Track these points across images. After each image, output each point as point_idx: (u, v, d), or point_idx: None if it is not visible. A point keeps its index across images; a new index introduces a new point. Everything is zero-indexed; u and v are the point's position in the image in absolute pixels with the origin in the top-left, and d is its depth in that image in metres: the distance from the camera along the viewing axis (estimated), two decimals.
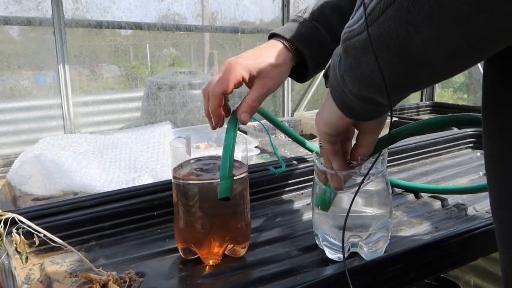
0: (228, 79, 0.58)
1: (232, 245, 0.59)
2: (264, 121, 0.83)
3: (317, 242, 0.62)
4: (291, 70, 0.66)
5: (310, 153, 0.85)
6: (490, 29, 0.29)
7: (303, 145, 0.83)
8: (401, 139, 0.60)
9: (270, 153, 1.18)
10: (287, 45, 0.64)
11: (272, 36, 0.66)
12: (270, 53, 0.62)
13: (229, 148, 0.55)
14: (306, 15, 0.66)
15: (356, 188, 0.52)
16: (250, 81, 0.61)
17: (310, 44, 0.65)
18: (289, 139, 0.90)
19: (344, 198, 0.57)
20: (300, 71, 0.68)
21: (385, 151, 0.58)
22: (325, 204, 0.57)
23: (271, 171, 0.74)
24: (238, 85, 0.60)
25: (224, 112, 0.61)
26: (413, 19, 0.30)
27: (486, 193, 0.76)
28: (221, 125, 0.61)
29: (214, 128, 0.62)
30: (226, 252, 0.59)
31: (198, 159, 0.62)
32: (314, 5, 0.67)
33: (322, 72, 0.50)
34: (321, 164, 0.57)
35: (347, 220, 0.51)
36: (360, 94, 0.41)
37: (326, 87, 0.48)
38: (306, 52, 0.64)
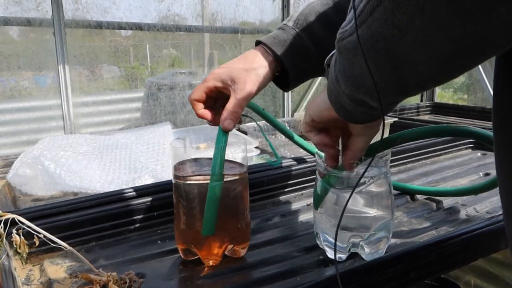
0: (198, 89, 0.62)
1: (232, 246, 0.59)
2: (263, 122, 0.83)
3: (317, 242, 0.61)
4: (275, 78, 0.67)
5: (310, 154, 0.85)
6: (472, 37, 0.29)
7: (302, 147, 0.83)
8: (398, 144, 0.60)
9: (271, 153, 1.18)
10: (268, 50, 0.64)
11: (257, 44, 0.66)
12: (247, 58, 0.64)
13: (218, 151, 0.57)
14: (290, 23, 0.66)
15: (357, 189, 0.52)
16: (227, 89, 0.62)
17: (291, 52, 0.64)
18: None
19: (346, 198, 0.57)
20: (283, 79, 0.68)
21: (389, 152, 0.58)
22: (317, 200, 0.57)
23: (268, 164, 0.75)
24: (211, 93, 0.63)
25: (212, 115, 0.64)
26: (398, 22, 0.30)
27: (486, 194, 0.76)
28: (216, 123, 0.63)
29: (210, 123, 0.64)
30: (226, 253, 0.59)
31: (198, 160, 0.62)
32: (299, 13, 0.67)
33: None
34: (324, 164, 0.57)
35: (347, 220, 0.52)
36: (352, 95, 0.41)
37: (325, 76, 0.49)
38: (286, 59, 0.64)
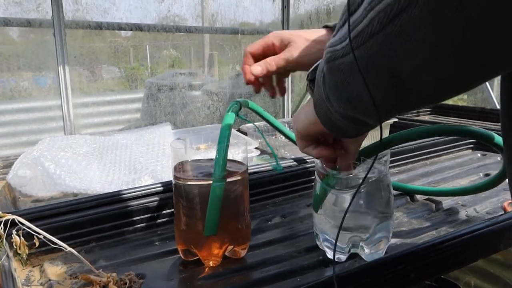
0: (256, 43, 0.64)
1: (232, 246, 0.59)
2: (263, 123, 0.83)
3: (317, 243, 0.61)
4: None
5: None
6: (487, 56, 0.28)
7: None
8: (395, 145, 0.60)
9: (271, 154, 1.18)
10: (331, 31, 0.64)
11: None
12: (313, 31, 0.64)
13: (222, 149, 0.56)
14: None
15: (357, 189, 0.52)
16: (281, 49, 0.63)
17: None
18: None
19: (346, 199, 0.57)
20: None
21: (388, 152, 0.58)
22: (317, 201, 0.57)
23: (272, 168, 0.76)
24: (267, 49, 0.64)
25: (279, 89, 0.68)
26: (406, 44, 0.29)
27: (487, 194, 0.76)
28: (255, 85, 0.65)
29: (245, 82, 0.65)
30: (226, 254, 0.59)
31: (198, 160, 0.62)
32: None
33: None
34: (323, 165, 0.57)
35: (347, 221, 0.51)
36: (346, 114, 0.40)
37: (308, 91, 0.48)
38: None
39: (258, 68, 0.61)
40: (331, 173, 0.57)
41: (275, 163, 0.77)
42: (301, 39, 0.62)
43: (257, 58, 0.64)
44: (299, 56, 0.61)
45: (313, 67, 0.46)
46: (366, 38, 0.31)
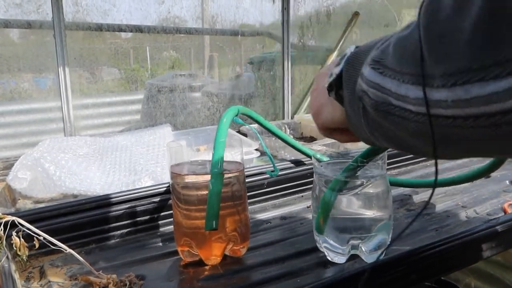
0: None
1: (232, 244, 0.59)
2: (257, 125, 0.83)
3: (317, 244, 0.61)
4: None
5: (307, 157, 0.85)
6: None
7: (299, 149, 0.83)
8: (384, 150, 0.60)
9: (271, 155, 1.17)
10: None
11: None
12: None
13: (218, 145, 0.56)
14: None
15: (355, 190, 0.53)
16: None
17: None
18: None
19: (344, 200, 0.57)
20: None
21: (384, 154, 0.58)
22: (326, 207, 0.57)
23: (266, 173, 0.75)
24: None
25: None
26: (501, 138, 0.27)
27: (487, 196, 0.76)
28: None
29: None
30: (226, 253, 0.59)
31: (194, 160, 0.62)
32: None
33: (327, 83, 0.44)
34: (321, 167, 0.57)
35: (346, 222, 0.52)
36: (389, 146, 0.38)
37: (337, 100, 0.43)
38: None
39: None
40: (329, 175, 0.57)
41: (272, 166, 0.77)
42: None
43: None
44: None
45: (332, 73, 0.42)
46: (451, 121, 0.28)
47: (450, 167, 1.00)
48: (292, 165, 0.86)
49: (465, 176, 0.73)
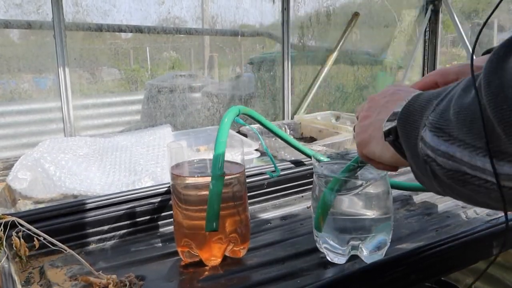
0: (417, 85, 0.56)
1: (232, 245, 0.59)
2: (257, 126, 0.83)
3: (317, 245, 0.61)
4: None
5: (307, 157, 0.85)
6: None
7: (299, 149, 0.83)
8: None
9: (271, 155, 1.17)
10: None
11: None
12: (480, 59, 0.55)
13: (220, 146, 0.56)
14: None
15: (356, 191, 0.53)
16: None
17: None
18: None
19: (345, 201, 0.57)
20: None
21: None
22: (325, 206, 0.57)
23: (267, 174, 0.75)
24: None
25: None
26: None
27: None
28: None
29: None
30: (226, 253, 0.59)
31: (195, 161, 0.62)
32: None
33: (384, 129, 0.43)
34: (321, 167, 0.57)
35: (347, 223, 0.51)
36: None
37: (395, 149, 0.43)
38: None
39: None
40: (329, 176, 0.57)
41: (272, 167, 0.77)
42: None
43: None
44: None
45: (385, 126, 0.42)
46: None
47: None
48: (292, 165, 0.86)
49: None
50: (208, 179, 0.56)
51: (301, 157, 0.87)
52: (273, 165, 0.75)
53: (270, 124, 0.79)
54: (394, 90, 0.47)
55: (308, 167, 0.86)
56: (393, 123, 0.41)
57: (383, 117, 0.43)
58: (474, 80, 0.31)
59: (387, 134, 0.42)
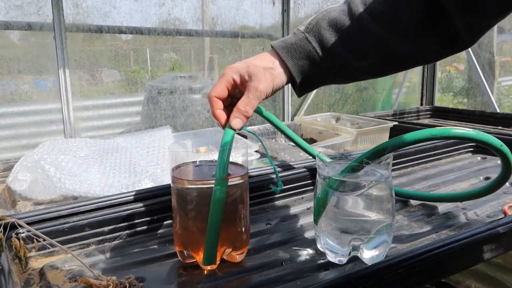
0: (219, 82, 0.61)
1: (230, 250, 0.59)
2: (262, 126, 0.83)
3: (318, 245, 0.61)
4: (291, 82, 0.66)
5: (311, 157, 0.85)
6: None
7: (304, 149, 0.83)
8: (388, 152, 0.60)
9: (271, 157, 1.17)
10: (277, 52, 0.64)
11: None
12: (262, 58, 0.64)
13: (224, 152, 0.56)
14: (302, 27, 0.65)
15: (359, 191, 0.53)
16: (243, 85, 0.61)
17: (296, 55, 0.63)
18: (290, 143, 0.90)
19: (348, 201, 0.57)
20: (294, 83, 0.67)
21: (390, 155, 0.58)
22: (320, 202, 0.57)
23: (271, 188, 0.75)
24: (231, 88, 0.62)
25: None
26: None
27: (487, 198, 0.76)
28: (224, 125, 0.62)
29: (222, 127, 0.62)
30: (223, 257, 0.59)
31: (196, 163, 0.62)
32: (312, 18, 0.66)
33: None
34: (325, 167, 0.57)
35: (348, 224, 0.51)
36: None
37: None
38: (289, 62, 0.63)
39: (238, 122, 0.59)
40: (333, 175, 0.57)
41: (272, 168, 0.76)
42: (259, 70, 0.61)
43: (224, 100, 0.62)
44: (265, 88, 0.61)
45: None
46: None
47: (450, 169, 1.00)
48: (292, 167, 0.86)
49: (471, 193, 0.74)
50: (208, 181, 0.56)
51: (301, 158, 0.87)
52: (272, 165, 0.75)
53: (276, 120, 0.79)
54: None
55: (308, 169, 0.86)
56: None
57: None
58: None
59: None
